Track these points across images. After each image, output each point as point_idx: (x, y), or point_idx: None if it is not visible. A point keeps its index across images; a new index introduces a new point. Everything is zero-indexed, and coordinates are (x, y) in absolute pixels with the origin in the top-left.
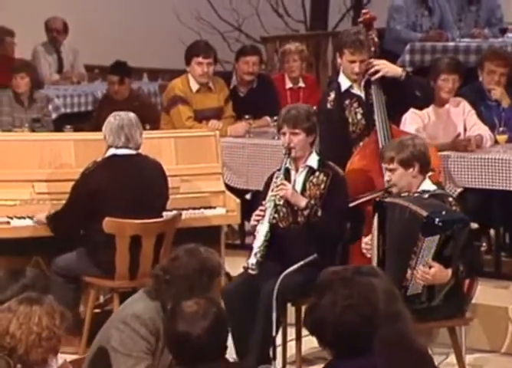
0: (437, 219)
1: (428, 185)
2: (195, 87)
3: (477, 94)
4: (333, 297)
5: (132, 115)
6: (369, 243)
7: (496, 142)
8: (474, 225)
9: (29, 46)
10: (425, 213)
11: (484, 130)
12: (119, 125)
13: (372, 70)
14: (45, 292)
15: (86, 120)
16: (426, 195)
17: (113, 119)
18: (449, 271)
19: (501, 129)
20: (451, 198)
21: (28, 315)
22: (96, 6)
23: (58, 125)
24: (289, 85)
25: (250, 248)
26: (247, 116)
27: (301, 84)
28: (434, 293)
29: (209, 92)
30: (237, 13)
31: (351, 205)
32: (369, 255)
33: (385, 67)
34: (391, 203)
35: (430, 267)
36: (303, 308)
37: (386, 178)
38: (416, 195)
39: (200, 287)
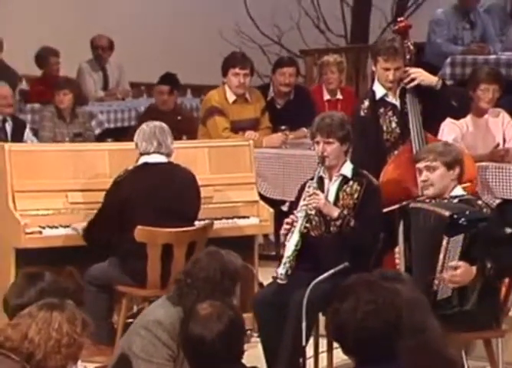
0: (462, 219)
1: (458, 191)
2: (231, 98)
3: None
4: (355, 302)
5: (163, 124)
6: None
7: None
8: (508, 230)
9: (74, 63)
10: (448, 213)
11: None
12: (152, 131)
13: (408, 78)
14: (64, 297)
15: (129, 135)
16: (456, 201)
17: (145, 126)
18: (474, 268)
19: None
20: (480, 201)
21: (48, 321)
22: (141, 24)
23: (101, 140)
24: (327, 97)
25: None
26: (283, 127)
27: (339, 96)
28: (465, 295)
29: (246, 103)
30: (278, 28)
31: (384, 210)
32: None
33: (421, 76)
34: (415, 209)
35: (456, 268)
36: None
37: (423, 178)
38: (445, 201)
39: (222, 291)
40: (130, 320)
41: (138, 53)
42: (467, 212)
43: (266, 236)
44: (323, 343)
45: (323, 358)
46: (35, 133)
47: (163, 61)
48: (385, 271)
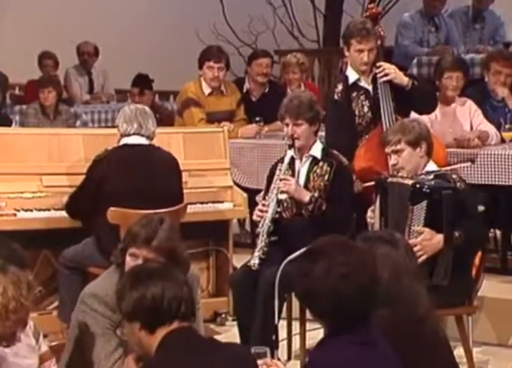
0: (425, 186)
1: (432, 167)
2: (207, 90)
3: (482, 95)
4: (328, 264)
5: (146, 107)
6: (372, 216)
7: (502, 140)
8: (481, 208)
9: (61, 68)
10: (410, 182)
11: (490, 128)
12: (133, 113)
13: (382, 73)
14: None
15: None
16: (431, 176)
17: (127, 108)
18: (440, 237)
19: (507, 126)
20: (455, 176)
21: None
22: (126, 32)
23: None
24: None
25: None
26: (257, 119)
27: None
28: (435, 268)
29: (221, 95)
30: (254, 35)
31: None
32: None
33: (394, 73)
34: (391, 183)
35: (420, 234)
36: None
37: (392, 162)
38: (421, 176)
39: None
40: None
41: (123, 61)
42: (433, 182)
43: (242, 226)
44: (296, 326)
45: (296, 340)
46: None
47: (145, 68)
48: (382, 232)
